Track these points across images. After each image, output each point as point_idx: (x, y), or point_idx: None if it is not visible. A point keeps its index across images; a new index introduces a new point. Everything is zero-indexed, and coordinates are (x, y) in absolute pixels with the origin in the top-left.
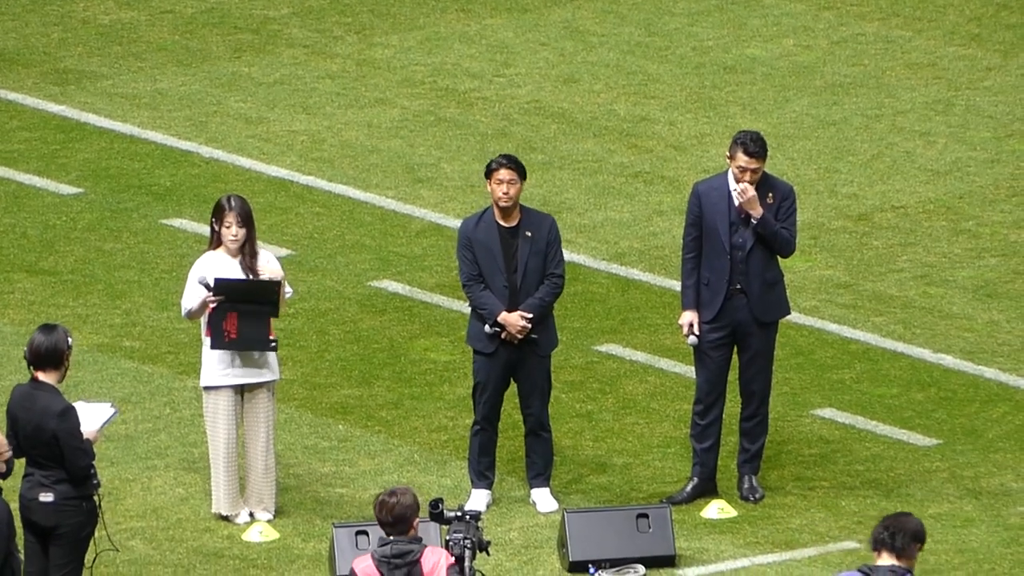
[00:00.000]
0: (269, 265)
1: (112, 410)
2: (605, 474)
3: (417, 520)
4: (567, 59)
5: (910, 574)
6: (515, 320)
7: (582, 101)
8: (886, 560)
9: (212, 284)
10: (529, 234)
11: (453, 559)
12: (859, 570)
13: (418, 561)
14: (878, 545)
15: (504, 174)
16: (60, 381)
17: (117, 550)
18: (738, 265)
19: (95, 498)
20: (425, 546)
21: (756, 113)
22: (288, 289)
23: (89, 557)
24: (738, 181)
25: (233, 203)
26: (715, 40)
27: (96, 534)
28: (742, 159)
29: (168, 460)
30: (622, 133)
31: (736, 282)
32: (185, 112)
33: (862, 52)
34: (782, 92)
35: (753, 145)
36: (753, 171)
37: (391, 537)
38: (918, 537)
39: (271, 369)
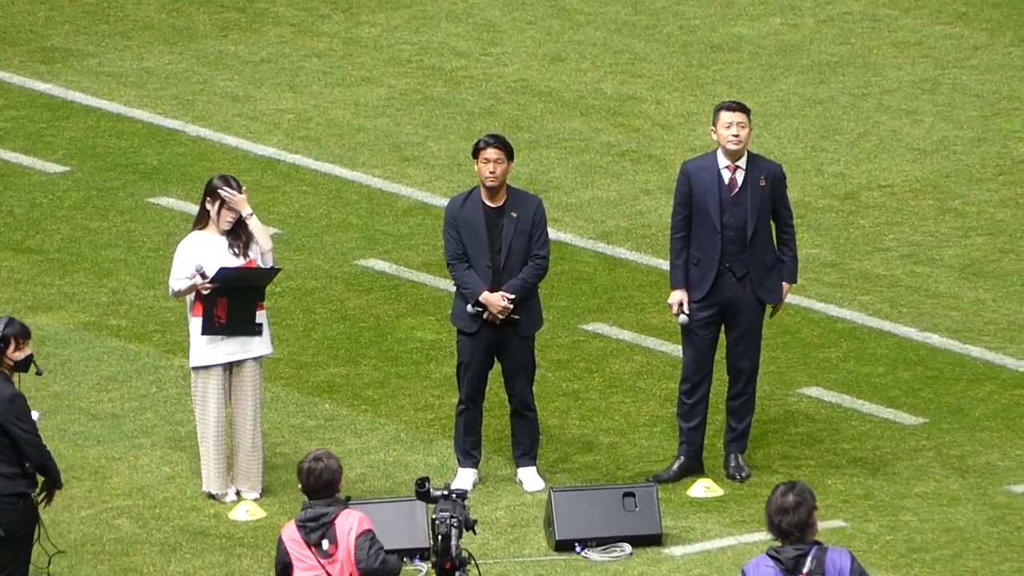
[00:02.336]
0: (258, 249)
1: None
2: (591, 453)
3: (342, 483)
4: (554, 38)
5: (817, 545)
6: (496, 300)
7: (569, 80)
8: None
9: (207, 273)
10: (515, 215)
11: (368, 526)
12: (767, 554)
13: (332, 523)
14: (782, 539)
15: (491, 153)
16: (11, 371)
17: (63, 551)
18: (729, 245)
19: (33, 497)
20: (342, 508)
21: (743, 92)
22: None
23: (44, 559)
24: (727, 142)
25: (234, 186)
26: (702, 19)
27: (49, 538)
28: (726, 117)
29: (154, 439)
30: (609, 112)
31: (726, 261)
32: (172, 91)
33: (849, 31)
34: (769, 71)
35: (731, 102)
36: (739, 124)
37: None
38: (808, 506)
39: (260, 343)
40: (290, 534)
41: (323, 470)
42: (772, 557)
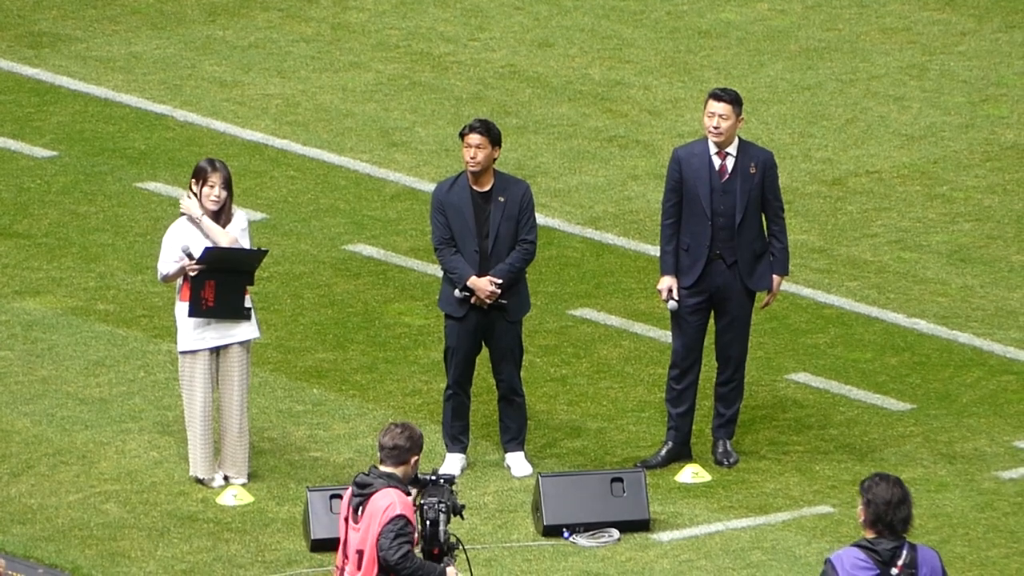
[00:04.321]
0: (235, 229)
1: None
2: (579, 438)
3: (414, 459)
4: (542, 23)
5: (907, 542)
6: (484, 285)
7: (557, 65)
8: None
9: (194, 253)
10: (502, 199)
11: (400, 512)
12: (857, 545)
13: (370, 497)
14: (888, 533)
15: (473, 138)
16: None
17: None
18: (719, 232)
19: None
20: (387, 486)
21: (731, 77)
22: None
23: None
24: (708, 133)
25: (218, 165)
26: (690, 4)
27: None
28: (711, 106)
29: (142, 423)
30: (597, 97)
31: (717, 248)
32: (160, 75)
33: (836, 16)
34: (756, 56)
35: (720, 91)
36: (722, 116)
37: (375, 466)
38: (911, 500)
39: (248, 327)
40: (349, 491)
41: (397, 435)
42: (866, 548)
